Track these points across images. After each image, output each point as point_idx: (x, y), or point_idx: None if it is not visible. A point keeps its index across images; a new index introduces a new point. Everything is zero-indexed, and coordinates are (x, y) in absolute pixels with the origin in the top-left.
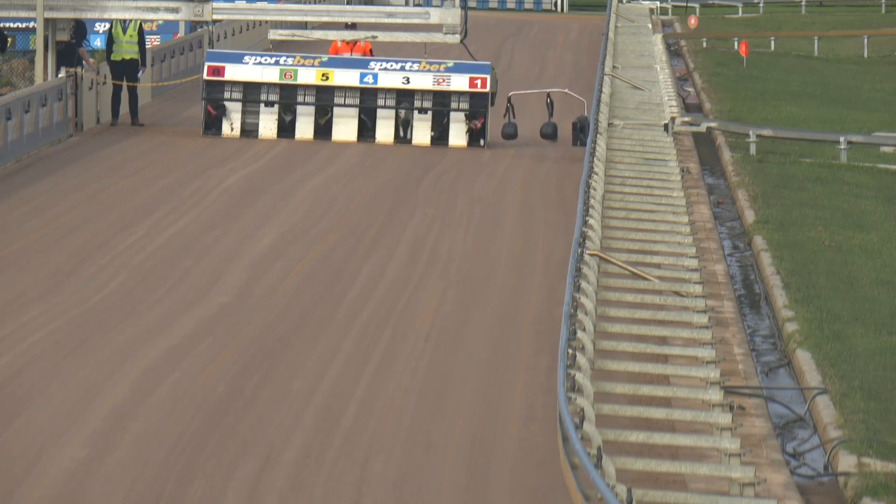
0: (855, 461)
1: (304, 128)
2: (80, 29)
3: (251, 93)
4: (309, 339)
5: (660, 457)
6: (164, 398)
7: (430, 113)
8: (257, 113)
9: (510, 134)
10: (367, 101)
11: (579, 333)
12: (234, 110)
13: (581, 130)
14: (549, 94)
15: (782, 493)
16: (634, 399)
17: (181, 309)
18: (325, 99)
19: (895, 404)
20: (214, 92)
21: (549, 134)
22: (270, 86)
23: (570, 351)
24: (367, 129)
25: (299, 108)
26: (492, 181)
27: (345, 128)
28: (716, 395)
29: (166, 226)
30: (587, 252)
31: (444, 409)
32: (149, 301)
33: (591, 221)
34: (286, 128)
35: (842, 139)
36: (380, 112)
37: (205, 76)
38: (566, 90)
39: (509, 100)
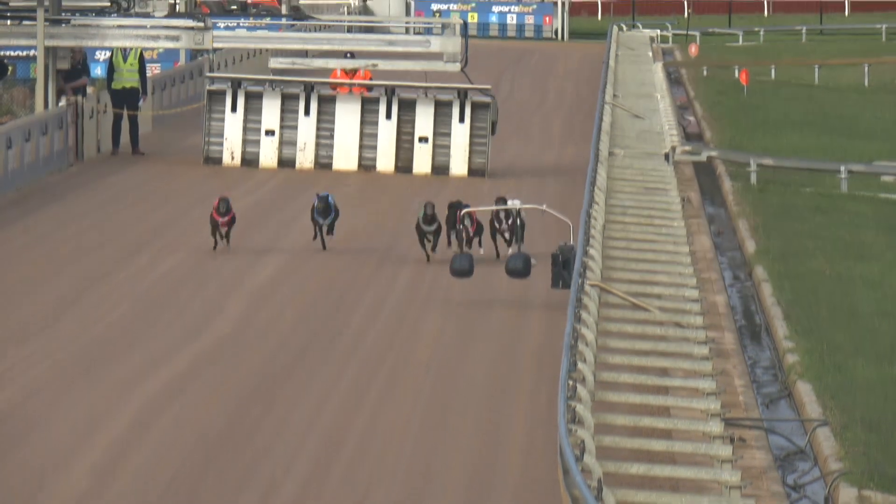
0: (856, 494)
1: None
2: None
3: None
4: (310, 370)
5: (661, 489)
6: (165, 430)
7: (430, 142)
8: (258, 142)
9: (463, 270)
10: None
11: (580, 364)
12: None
13: (565, 266)
14: (518, 212)
15: None
16: (635, 431)
17: (182, 339)
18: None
19: None
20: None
21: (519, 270)
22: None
23: (571, 382)
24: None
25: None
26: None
27: (345, 157)
28: (716, 427)
29: (167, 255)
30: (588, 283)
31: (445, 439)
32: (150, 332)
33: (591, 252)
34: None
35: (842, 168)
36: (380, 140)
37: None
38: (544, 207)
39: (462, 220)
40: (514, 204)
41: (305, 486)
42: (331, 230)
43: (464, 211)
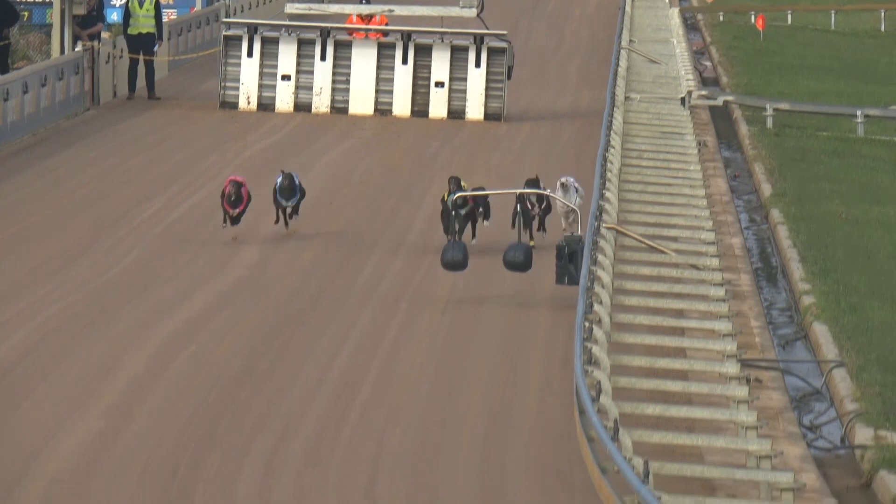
0: (871, 434)
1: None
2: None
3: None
4: (326, 313)
5: (676, 430)
6: (181, 372)
7: (446, 87)
8: (274, 87)
9: (455, 262)
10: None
11: (596, 307)
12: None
13: (571, 259)
14: (522, 198)
15: (799, 466)
16: (651, 372)
17: (198, 282)
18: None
19: None
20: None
21: (519, 263)
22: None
23: (587, 324)
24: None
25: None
26: (509, 156)
27: (361, 101)
28: (732, 369)
29: (183, 199)
30: (604, 225)
31: (461, 382)
32: (165, 275)
33: (607, 195)
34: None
35: (858, 113)
36: (397, 85)
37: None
38: (548, 191)
39: (455, 202)
40: (567, 182)
41: (321, 430)
42: (295, 211)
43: (457, 195)
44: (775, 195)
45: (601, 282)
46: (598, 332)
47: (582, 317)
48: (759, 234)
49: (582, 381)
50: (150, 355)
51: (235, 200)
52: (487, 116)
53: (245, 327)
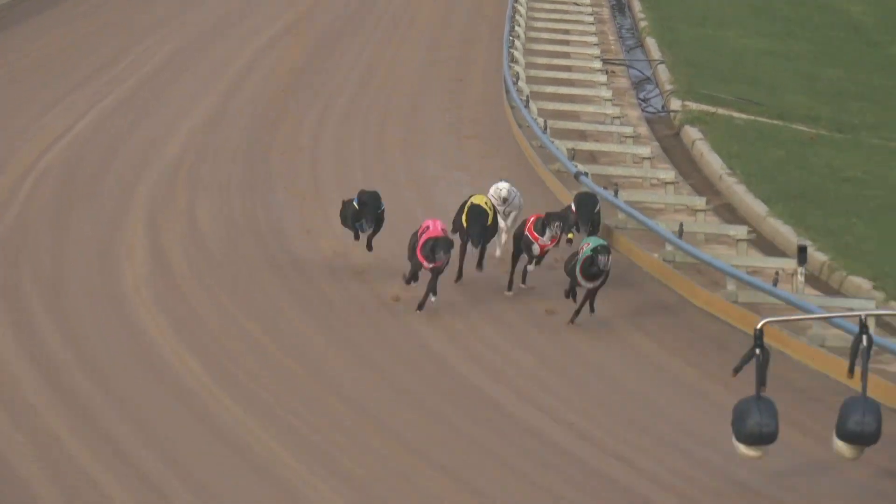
0: (680, 104)
1: None
2: None
3: None
4: (351, 35)
5: (563, 101)
6: (269, 66)
7: None
8: None
9: (769, 434)
10: None
11: (517, 28)
12: None
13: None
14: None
15: (637, 122)
16: (550, 67)
17: (271, 20)
18: None
19: (706, 70)
20: None
21: (870, 434)
22: None
23: (511, 38)
24: None
25: None
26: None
27: None
28: (597, 64)
29: None
30: None
31: (433, 72)
32: (258, 11)
33: None
34: None
35: None
36: None
37: None
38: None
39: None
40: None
41: (353, 98)
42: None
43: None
44: None
45: (519, 13)
46: (517, 42)
47: (508, 33)
48: None
49: (507, 71)
50: (250, 57)
51: (445, 251)
52: None
53: (302, 42)
